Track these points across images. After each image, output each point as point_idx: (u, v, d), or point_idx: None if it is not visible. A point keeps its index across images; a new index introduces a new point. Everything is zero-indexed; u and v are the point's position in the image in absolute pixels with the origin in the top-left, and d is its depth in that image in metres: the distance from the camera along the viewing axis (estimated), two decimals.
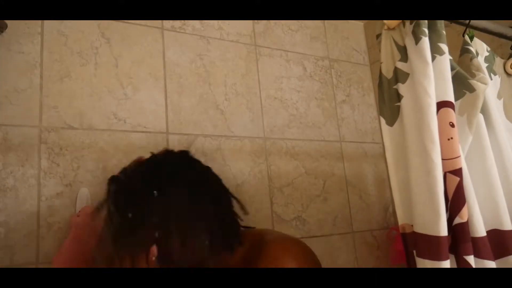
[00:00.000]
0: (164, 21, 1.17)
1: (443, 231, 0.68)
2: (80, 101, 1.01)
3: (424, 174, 0.71)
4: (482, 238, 0.73)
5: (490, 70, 0.94)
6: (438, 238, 0.68)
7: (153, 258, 0.70)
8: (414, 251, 0.72)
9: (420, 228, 0.71)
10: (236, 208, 0.83)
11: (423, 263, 0.69)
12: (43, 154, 0.94)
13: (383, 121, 0.81)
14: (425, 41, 0.76)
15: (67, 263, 0.85)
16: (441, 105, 0.75)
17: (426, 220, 0.70)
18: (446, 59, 0.78)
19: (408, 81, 0.78)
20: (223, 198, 0.82)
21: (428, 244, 0.69)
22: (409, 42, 0.79)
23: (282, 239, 0.78)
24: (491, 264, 0.72)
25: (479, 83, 0.80)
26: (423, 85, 0.74)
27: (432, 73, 0.74)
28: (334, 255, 1.28)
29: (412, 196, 0.73)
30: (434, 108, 0.72)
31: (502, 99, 0.94)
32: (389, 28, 0.83)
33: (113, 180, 0.78)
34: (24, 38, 0.98)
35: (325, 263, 1.05)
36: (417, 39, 0.77)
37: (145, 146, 1.06)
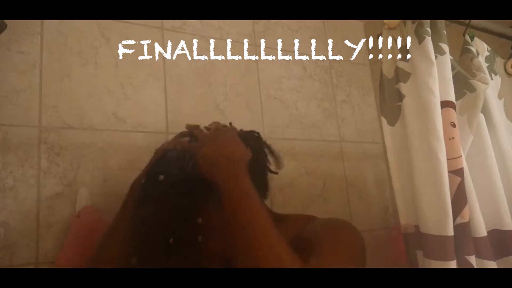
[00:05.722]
0: (164, 21, 1.17)
1: (450, 231, 0.68)
2: (80, 101, 1.01)
3: (431, 173, 0.70)
4: (483, 238, 0.73)
5: (491, 70, 0.93)
6: (446, 238, 0.68)
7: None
8: (420, 252, 0.72)
9: (427, 228, 0.70)
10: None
11: (429, 264, 0.69)
12: (42, 154, 0.93)
13: (384, 121, 0.80)
14: (429, 40, 0.76)
15: (71, 262, 0.84)
16: (442, 104, 0.75)
17: (433, 220, 0.69)
18: (447, 59, 0.78)
19: (410, 81, 0.78)
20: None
21: (436, 245, 0.68)
22: (411, 41, 0.79)
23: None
24: (492, 264, 0.72)
25: (479, 83, 0.80)
26: (428, 84, 0.73)
27: (436, 72, 0.74)
28: None
29: (417, 196, 0.72)
30: (439, 107, 0.72)
31: (503, 99, 0.94)
32: (389, 28, 0.83)
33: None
34: (24, 38, 0.97)
35: None
36: (420, 39, 0.77)
37: (145, 146, 1.05)
